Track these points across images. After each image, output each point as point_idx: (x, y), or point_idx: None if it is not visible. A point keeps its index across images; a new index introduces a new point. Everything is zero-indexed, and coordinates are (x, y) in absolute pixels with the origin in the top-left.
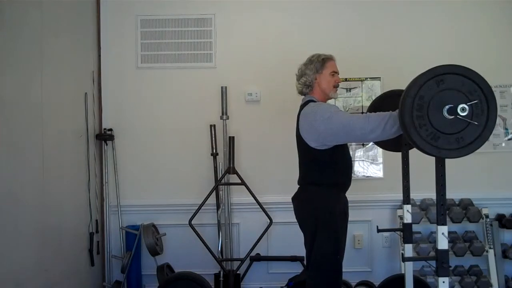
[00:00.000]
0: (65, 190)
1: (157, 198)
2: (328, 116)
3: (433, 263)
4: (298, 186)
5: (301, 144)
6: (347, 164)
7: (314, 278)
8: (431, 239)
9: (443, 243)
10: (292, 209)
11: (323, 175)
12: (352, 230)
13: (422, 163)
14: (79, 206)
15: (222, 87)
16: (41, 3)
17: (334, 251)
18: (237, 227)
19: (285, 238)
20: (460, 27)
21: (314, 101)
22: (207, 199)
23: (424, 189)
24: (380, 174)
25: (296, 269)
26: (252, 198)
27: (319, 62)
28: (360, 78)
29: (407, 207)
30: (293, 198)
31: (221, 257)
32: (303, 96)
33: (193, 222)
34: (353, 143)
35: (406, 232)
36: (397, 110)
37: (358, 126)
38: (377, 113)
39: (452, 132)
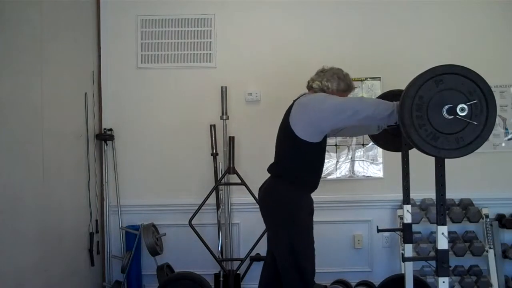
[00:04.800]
0: (65, 190)
1: (157, 198)
2: (321, 99)
3: (433, 263)
4: (270, 175)
5: (287, 134)
6: (322, 165)
7: (295, 279)
8: (431, 239)
9: (443, 243)
10: None
11: (301, 169)
12: (352, 230)
13: (422, 163)
14: (79, 206)
15: (222, 87)
16: (41, 3)
17: (312, 250)
18: (237, 227)
19: None
20: (460, 27)
21: None
22: (207, 199)
23: (424, 189)
24: (380, 174)
25: None
26: (252, 198)
27: (346, 86)
28: (360, 78)
29: (407, 207)
30: (263, 194)
31: (221, 257)
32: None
33: (193, 222)
34: (353, 143)
35: (406, 232)
36: (395, 102)
37: (350, 105)
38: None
39: (451, 132)
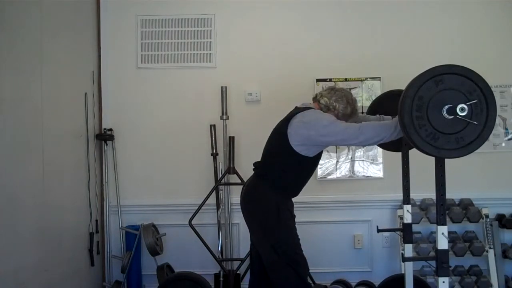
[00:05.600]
0: (65, 190)
1: (157, 198)
2: (325, 124)
3: (433, 263)
4: (254, 172)
5: (282, 141)
6: (309, 177)
7: (289, 275)
8: (431, 239)
9: (443, 243)
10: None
11: (287, 177)
12: (352, 230)
13: (422, 163)
14: (79, 206)
15: (222, 87)
16: (41, 3)
17: (298, 245)
18: (237, 227)
19: None
20: (460, 27)
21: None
22: (207, 199)
23: (424, 189)
24: (380, 174)
25: None
26: None
27: (351, 111)
28: (360, 78)
29: (407, 207)
30: (245, 193)
31: (221, 257)
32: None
33: (193, 222)
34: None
35: (406, 232)
36: (394, 119)
37: (350, 137)
38: (371, 123)
39: (451, 132)
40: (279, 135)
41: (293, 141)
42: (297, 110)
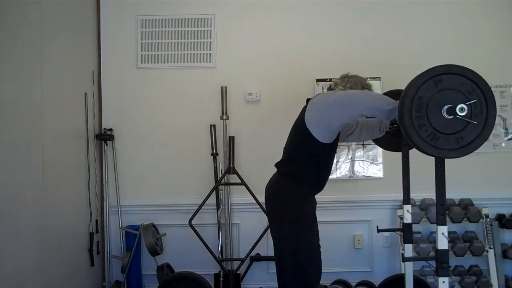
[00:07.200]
0: (65, 190)
1: (157, 198)
2: (331, 93)
3: (433, 263)
4: (277, 170)
5: (301, 131)
6: (330, 168)
7: (293, 281)
8: (431, 239)
9: (443, 243)
10: None
11: (309, 170)
12: (352, 230)
13: (422, 163)
14: (79, 206)
15: (222, 87)
16: (41, 3)
17: (315, 252)
18: (237, 227)
19: None
20: (460, 27)
21: None
22: (207, 199)
23: (424, 189)
24: (380, 174)
25: None
26: (252, 198)
27: None
28: None
29: (407, 207)
30: (268, 191)
31: (221, 257)
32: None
33: (193, 222)
34: (353, 143)
35: (406, 232)
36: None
37: (353, 95)
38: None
39: (451, 132)
40: (298, 127)
41: (311, 126)
42: (307, 100)
